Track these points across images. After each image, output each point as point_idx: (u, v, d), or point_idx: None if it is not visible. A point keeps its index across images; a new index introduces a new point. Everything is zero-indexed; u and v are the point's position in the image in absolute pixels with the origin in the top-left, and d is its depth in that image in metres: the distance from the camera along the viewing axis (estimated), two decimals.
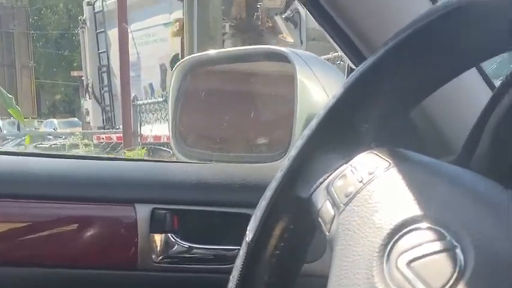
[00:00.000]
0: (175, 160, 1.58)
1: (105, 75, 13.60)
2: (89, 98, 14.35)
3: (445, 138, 1.13)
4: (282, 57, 1.33)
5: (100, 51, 13.47)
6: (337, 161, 0.73)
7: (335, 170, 0.72)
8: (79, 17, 14.67)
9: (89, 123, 14.92)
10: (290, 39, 9.18)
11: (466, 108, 1.08)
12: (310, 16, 1.14)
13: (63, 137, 13.58)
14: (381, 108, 0.78)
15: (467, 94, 1.10)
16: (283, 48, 1.38)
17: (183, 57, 8.51)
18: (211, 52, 1.55)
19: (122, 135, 10.76)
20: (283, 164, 0.78)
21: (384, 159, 0.69)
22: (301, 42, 9.65)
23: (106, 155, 6.99)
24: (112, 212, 1.34)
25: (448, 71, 0.76)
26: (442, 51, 0.72)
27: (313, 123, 0.78)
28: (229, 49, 1.63)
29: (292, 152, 0.78)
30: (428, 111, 1.12)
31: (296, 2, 1.12)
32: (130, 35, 12.08)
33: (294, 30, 9.65)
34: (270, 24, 9.32)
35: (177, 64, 1.52)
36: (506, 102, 0.86)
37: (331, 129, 0.77)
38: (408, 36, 0.71)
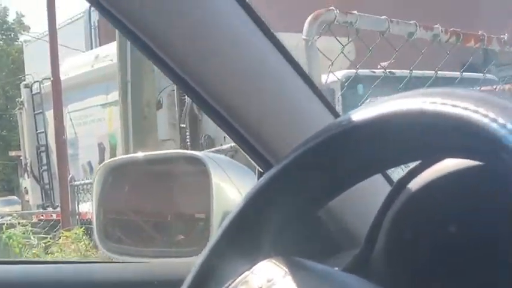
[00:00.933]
0: (97, 260, 1.65)
1: (43, 155, 13.52)
2: (28, 177, 14.21)
3: (351, 232, 1.16)
4: (197, 161, 1.45)
5: (38, 131, 13.43)
6: (240, 267, 0.79)
7: (238, 276, 0.78)
8: (17, 99, 14.64)
9: (28, 201, 14.75)
10: None
11: (368, 204, 1.09)
12: None
13: (1, 216, 13.39)
14: (282, 217, 0.85)
15: (369, 190, 1.11)
16: (197, 153, 1.50)
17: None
18: (133, 155, 1.67)
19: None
20: (192, 269, 0.86)
21: (281, 267, 0.76)
22: None
23: (26, 259, 6.92)
24: None
25: (348, 179, 0.83)
26: (342, 163, 0.79)
27: (219, 232, 0.85)
28: (149, 153, 1.75)
29: (199, 259, 0.85)
30: (333, 208, 1.15)
31: None
32: (68, 116, 12.10)
33: None
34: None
35: (101, 165, 1.63)
36: (401, 199, 0.91)
37: (235, 239, 0.84)
38: (309, 150, 0.78)
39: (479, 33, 3.90)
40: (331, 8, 3.14)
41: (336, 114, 1.17)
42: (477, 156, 0.75)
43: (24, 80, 14.75)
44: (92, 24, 18.25)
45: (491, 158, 0.67)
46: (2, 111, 28.29)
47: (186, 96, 9.12)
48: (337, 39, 3.37)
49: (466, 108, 0.64)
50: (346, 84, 5.72)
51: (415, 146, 0.76)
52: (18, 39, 30.16)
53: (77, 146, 12.69)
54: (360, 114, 0.74)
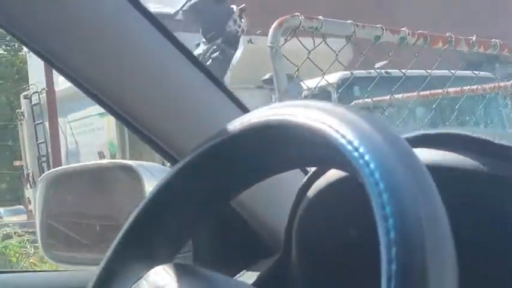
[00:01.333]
0: (37, 270, 1.68)
1: (45, 165, 13.53)
2: (30, 187, 14.23)
3: (276, 234, 1.13)
4: (131, 170, 1.48)
5: (39, 141, 13.44)
6: (134, 275, 0.81)
7: (133, 284, 0.80)
8: (17, 110, 14.65)
9: (31, 211, 14.78)
10: None
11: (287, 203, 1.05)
12: None
13: (10, 224, 13.44)
14: (183, 220, 0.85)
15: (288, 188, 1.05)
16: (130, 162, 1.53)
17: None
18: (72, 166, 1.70)
19: None
20: (93, 276, 0.87)
21: (171, 275, 0.77)
22: None
23: None
24: None
25: (244, 181, 0.84)
26: (235, 165, 0.80)
27: (117, 239, 0.86)
28: (87, 163, 1.79)
29: (98, 269, 0.86)
30: (254, 211, 1.15)
31: None
32: (68, 125, 12.12)
33: None
34: None
35: (42, 176, 1.67)
36: (303, 205, 0.93)
37: (133, 244, 0.84)
38: (212, 147, 0.78)
39: (447, 34, 3.86)
40: (296, 13, 3.11)
41: (245, 109, 1.16)
42: (337, 166, 0.77)
43: (28, 90, 14.75)
44: None
45: (346, 168, 0.69)
46: (7, 122, 28.32)
47: None
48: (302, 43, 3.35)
49: (315, 120, 0.65)
50: (341, 85, 5.70)
51: (291, 155, 0.77)
52: (22, 49, 30.17)
53: (78, 154, 12.70)
54: (240, 122, 0.75)
